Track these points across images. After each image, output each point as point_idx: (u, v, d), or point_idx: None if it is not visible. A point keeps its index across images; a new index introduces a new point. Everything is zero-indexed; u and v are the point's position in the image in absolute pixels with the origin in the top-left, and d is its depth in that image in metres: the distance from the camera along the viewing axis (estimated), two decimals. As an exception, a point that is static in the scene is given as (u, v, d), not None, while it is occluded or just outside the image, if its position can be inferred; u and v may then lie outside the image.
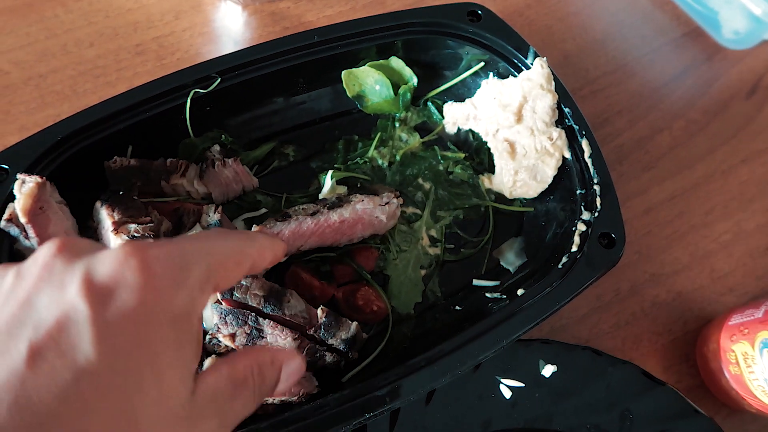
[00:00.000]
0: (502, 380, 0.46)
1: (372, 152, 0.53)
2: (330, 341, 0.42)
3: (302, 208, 0.45)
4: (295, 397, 0.39)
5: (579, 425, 0.46)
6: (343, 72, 0.52)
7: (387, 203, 0.47)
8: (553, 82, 0.49)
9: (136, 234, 0.42)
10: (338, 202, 0.46)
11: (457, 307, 0.48)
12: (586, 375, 0.47)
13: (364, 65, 0.52)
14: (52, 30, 0.58)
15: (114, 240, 0.42)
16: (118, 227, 0.42)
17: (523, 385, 0.46)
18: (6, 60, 0.56)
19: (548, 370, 0.47)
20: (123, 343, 0.23)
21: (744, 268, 0.55)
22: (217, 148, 0.49)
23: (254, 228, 0.44)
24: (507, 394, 0.46)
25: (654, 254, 0.55)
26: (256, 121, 0.52)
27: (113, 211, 0.43)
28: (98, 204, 0.43)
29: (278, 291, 0.41)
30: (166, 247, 0.26)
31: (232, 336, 0.41)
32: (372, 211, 0.46)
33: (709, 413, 0.47)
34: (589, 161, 0.48)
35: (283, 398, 0.39)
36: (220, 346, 0.41)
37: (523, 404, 0.46)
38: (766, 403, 0.44)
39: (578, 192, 0.48)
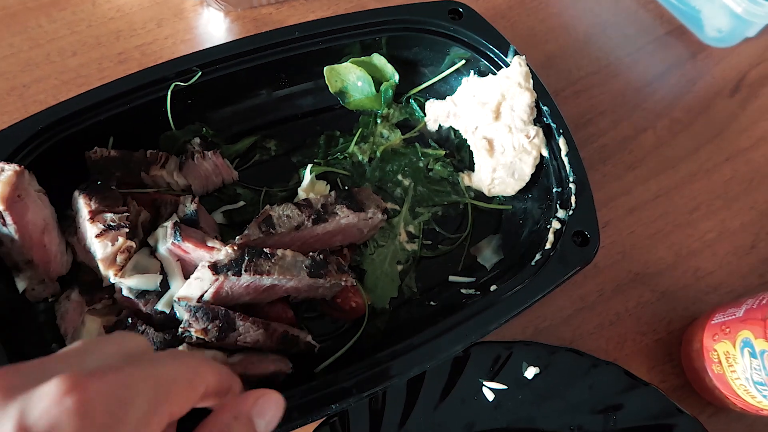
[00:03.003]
0: (485, 383, 0.46)
1: (352, 148, 0.53)
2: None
3: (287, 216, 0.44)
4: (270, 374, 0.39)
5: (562, 426, 0.45)
6: (325, 68, 0.52)
7: (371, 218, 0.47)
8: (531, 81, 0.49)
9: (112, 223, 0.43)
10: (323, 215, 0.45)
11: (432, 303, 0.48)
12: (569, 376, 0.46)
13: (346, 62, 0.53)
14: (35, 40, 0.58)
15: (90, 229, 0.43)
16: (94, 216, 0.43)
17: (505, 387, 0.46)
18: (-11, 71, 0.57)
19: (531, 372, 0.46)
20: None
21: (728, 266, 0.54)
22: (197, 140, 0.50)
23: (237, 239, 0.43)
24: (490, 396, 0.46)
25: (638, 254, 0.54)
26: (238, 115, 0.53)
27: (90, 200, 0.43)
28: (76, 193, 0.44)
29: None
30: (106, 378, 0.24)
31: (205, 330, 0.41)
32: (355, 224, 0.46)
33: (694, 413, 0.46)
34: (565, 159, 0.48)
35: (258, 375, 0.39)
36: (191, 338, 0.41)
37: (506, 406, 0.46)
38: (749, 402, 0.43)
39: (555, 190, 0.48)
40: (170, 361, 0.27)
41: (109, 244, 0.42)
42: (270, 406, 0.29)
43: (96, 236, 0.42)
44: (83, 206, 0.43)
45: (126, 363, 0.26)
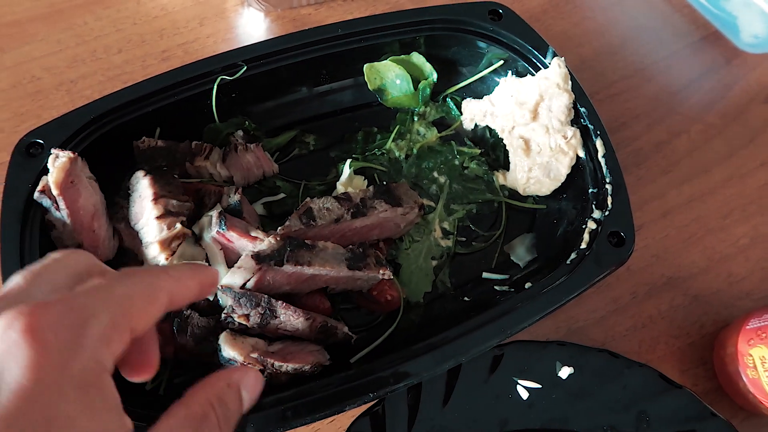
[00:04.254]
0: (519, 381, 0.46)
1: (390, 144, 0.54)
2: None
3: (326, 208, 0.45)
4: (308, 366, 0.40)
5: (595, 426, 0.45)
6: (365, 65, 0.53)
7: (407, 213, 0.47)
8: (570, 82, 0.50)
9: (172, 209, 0.44)
10: (362, 209, 0.46)
11: (466, 298, 0.49)
12: (603, 377, 0.46)
13: (385, 60, 0.54)
14: (81, 37, 0.60)
15: (152, 209, 0.43)
16: (157, 198, 0.44)
17: (540, 386, 0.46)
18: (38, 66, 0.58)
19: (565, 372, 0.46)
20: (27, 428, 0.21)
21: (761, 272, 0.54)
22: (240, 133, 0.51)
23: (279, 230, 0.44)
24: (524, 395, 0.46)
25: (671, 257, 0.54)
26: (279, 110, 0.54)
27: (155, 183, 0.44)
28: (140, 173, 0.45)
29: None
30: (57, 305, 0.23)
31: (246, 316, 0.42)
32: (392, 219, 0.47)
33: (726, 417, 0.46)
34: (602, 161, 0.49)
35: (296, 366, 0.40)
36: (234, 324, 0.42)
37: (540, 405, 0.46)
38: (785, 408, 0.43)
39: (590, 191, 0.49)
40: (124, 280, 0.27)
41: (165, 227, 0.43)
42: (255, 381, 0.30)
43: (156, 217, 0.43)
44: (147, 186, 0.44)
45: (77, 287, 0.25)
